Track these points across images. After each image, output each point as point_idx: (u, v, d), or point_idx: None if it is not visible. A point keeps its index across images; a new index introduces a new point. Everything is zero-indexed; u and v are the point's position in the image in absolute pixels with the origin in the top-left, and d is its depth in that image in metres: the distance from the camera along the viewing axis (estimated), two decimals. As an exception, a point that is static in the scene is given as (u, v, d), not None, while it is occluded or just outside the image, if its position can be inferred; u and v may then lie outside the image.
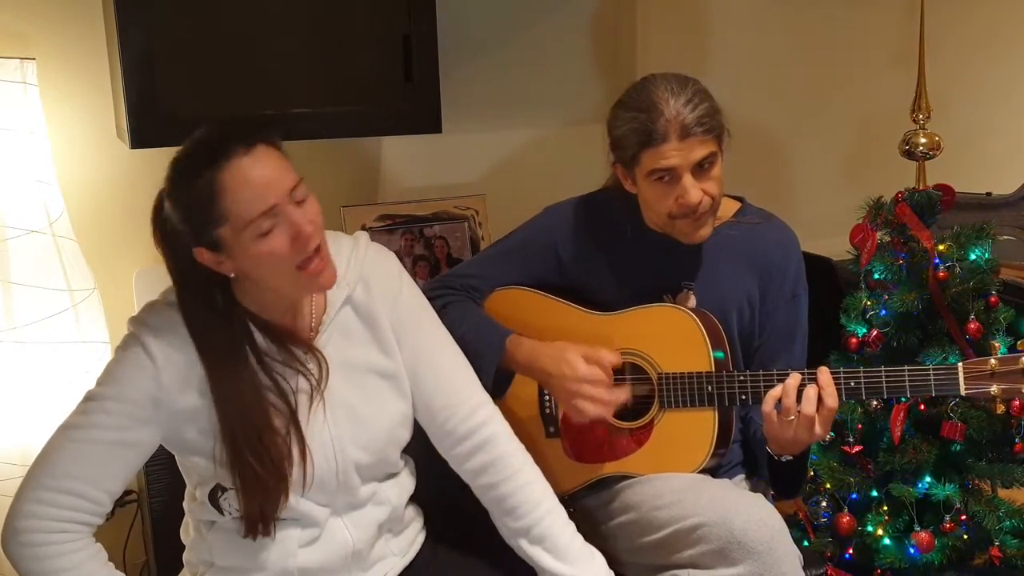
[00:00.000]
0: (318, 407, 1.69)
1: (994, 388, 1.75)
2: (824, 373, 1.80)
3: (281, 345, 1.68)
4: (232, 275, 1.63)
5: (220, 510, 1.70)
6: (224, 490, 1.68)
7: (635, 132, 1.86)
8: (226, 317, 1.65)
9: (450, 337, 1.86)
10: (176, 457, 1.74)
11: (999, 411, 1.81)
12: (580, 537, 1.79)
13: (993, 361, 1.76)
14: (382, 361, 1.77)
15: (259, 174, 1.54)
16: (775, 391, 1.81)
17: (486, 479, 1.79)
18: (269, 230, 1.56)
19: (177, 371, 1.63)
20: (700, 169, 1.87)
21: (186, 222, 1.57)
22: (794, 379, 1.80)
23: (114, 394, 1.62)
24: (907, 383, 1.78)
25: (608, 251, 2.05)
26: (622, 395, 1.90)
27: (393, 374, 1.78)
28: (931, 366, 1.79)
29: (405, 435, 1.81)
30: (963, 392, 1.77)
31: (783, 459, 1.90)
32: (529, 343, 1.98)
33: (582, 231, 2.08)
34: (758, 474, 2.08)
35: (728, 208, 2.04)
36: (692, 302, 2.00)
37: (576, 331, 2.00)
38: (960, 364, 1.77)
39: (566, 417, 2.02)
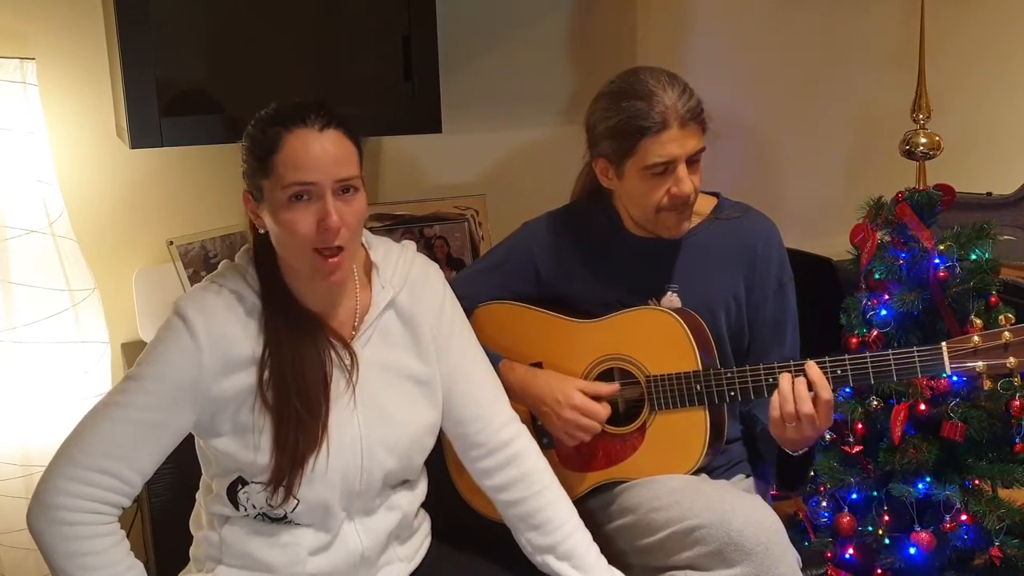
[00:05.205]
0: (349, 401, 1.69)
1: (979, 365, 1.74)
2: (812, 368, 1.79)
3: (318, 333, 1.69)
4: (262, 231, 1.68)
5: (237, 504, 1.69)
6: (245, 483, 1.67)
7: (634, 119, 1.84)
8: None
9: (483, 352, 1.87)
10: (197, 444, 1.73)
11: (987, 387, 1.80)
12: (604, 559, 1.79)
13: (976, 338, 1.75)
14: (418, 367, 1.77)
15: (317, 150, 1.60)
16: (776, 400, 1.80)
17: (514, 494, 1.79)
18: (300, 201, 1.60)
19: (221, 352, 1.63)
20: (691, 162, 1.87)
21: (246, 162, 1.67)
22: (786, 382, 1.79)
23: (155, 374, 1.62)
24: (893, 366, 1.78)
25: (588, 260, 2.05)
26: (604, 411, 1.93)
27: (427, 381, 1.78)
28: (915, 348, 1.77)
29: (431, 443, 1.81)
30: (948, 371, 1.76)
31: (797, 454, 1.90)
32: (521, 368, 1.99)
33: (560, 243, 2.07)
34: (760, 473, 2.08)
35: (705, 204, 2.03)
36: (676, 304, 1.99)
37: (560, 340, 2.01)
38: (944, 343, 1.76)
39: None
